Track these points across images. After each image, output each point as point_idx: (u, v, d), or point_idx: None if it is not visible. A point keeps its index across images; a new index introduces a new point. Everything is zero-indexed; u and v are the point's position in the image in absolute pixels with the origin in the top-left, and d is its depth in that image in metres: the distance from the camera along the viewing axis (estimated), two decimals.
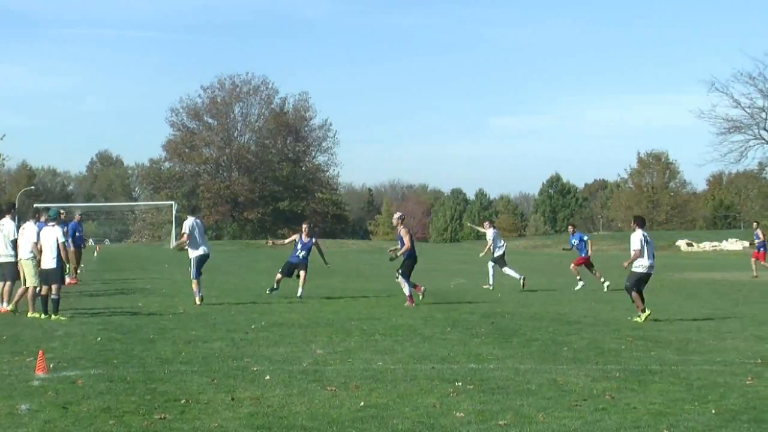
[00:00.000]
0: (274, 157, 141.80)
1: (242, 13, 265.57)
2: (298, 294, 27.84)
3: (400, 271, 26.37)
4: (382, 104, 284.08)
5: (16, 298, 23.42)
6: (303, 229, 29.24)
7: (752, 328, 21.24)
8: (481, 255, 37.37)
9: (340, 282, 36.86)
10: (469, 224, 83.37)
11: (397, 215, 27.31)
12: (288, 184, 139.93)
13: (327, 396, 12.45)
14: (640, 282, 23.05)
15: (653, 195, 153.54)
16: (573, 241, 35.22)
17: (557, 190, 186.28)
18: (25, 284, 23.08)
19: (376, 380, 13.70)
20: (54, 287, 22.05)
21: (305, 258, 28.90)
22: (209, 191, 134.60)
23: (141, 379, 13.59)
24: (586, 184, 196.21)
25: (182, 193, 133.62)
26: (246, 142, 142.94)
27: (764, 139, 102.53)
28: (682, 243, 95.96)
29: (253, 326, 20.48)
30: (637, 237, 23.15)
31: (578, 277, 34.09)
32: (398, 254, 26.72)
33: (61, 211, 29.88)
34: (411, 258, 26.43)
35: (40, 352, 14.60)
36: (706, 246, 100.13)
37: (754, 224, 48.19)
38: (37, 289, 22.64)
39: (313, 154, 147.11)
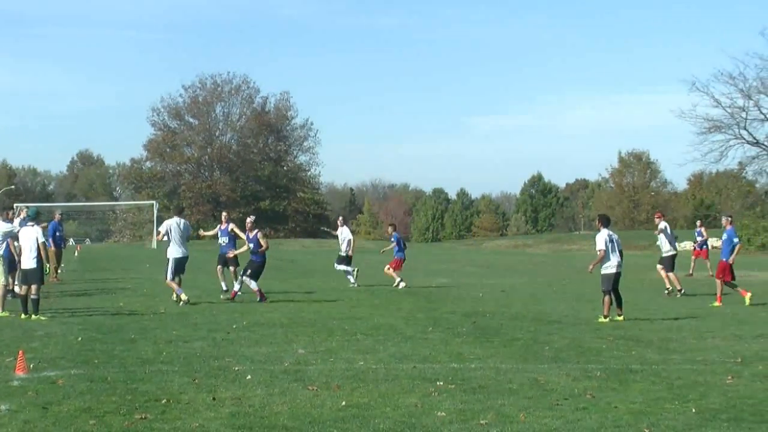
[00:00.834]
0: (255, 157, 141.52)
1: (223, 12, 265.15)
2: (234, 288, 28.13)
3: (249, 271, 27.42)
4: (363, 104, 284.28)
5: None
6: (222, 218, 30.82)
7: (733, 327, 21.30)
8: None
9: (321, 282, 36.80)
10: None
11: (249, 219, 28.60)
12: (269, 183, 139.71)
13: (308, 396, 12.44)
14: (611, 282, 23.01)
15: (634, 195, 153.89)
16: None
17: (539, 189, 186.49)
18: None
19: (357, 380, 13.70)
20: (34, 287, 21.96)
21: (228, 245, 29.63)
22: (191, 191, 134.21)
23: (122, 379, 13.57)
24: (567, 184, 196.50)
25: (163, 193, 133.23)
26: (227, 142, 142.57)
27: (744, 139, 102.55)
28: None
29: (234, 326, 20.46)
30: (601, 237, 23.11)
31: None
32: (237, 253, 29.20)
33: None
34: (261, 262, 27.65)
35: (20, 352, 14.56)
36: (687, 245, 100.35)
37: (698, 222, 48.21)
38: (8, 287, 22.57)
39: (295, 153, 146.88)
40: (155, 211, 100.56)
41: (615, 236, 23.42)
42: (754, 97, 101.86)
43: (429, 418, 11.18)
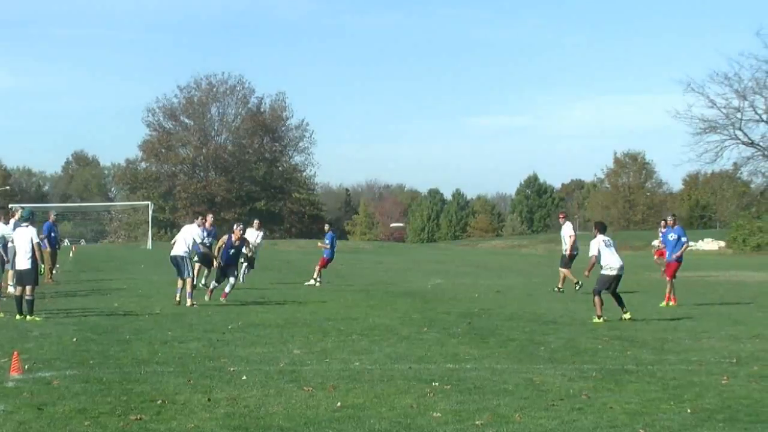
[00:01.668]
0: (251, 157, 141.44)
1: (219, 12, 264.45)
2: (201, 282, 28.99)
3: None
4: (359, 104, 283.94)
5: None
6: (208, 219, 31.63)
7: (728, 328, 21.31)
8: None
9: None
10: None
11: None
12: (265, 184, 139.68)
13: (304, 396, 12.43)
14: (608, 283, 23.09)
15: (630, 195, 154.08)
16: None
17: (534, 190, 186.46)
18: None
19: (353, 380, 13.70)
20: (29, 288, 21.93)
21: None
22: (186, 191, 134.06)
23: (117, 379, 13.56)
24: (562, 184, 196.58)
25: (159, 194, 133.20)
26: (223, 142, 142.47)
27: (739, 140, 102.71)
28: (657, 242, 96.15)
29: (230, 327, 20.45)
30: (595, 243, 23.37)
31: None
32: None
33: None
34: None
35: (15, 353, 14.53)
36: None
37: (669, 220, 47.31)
38: None
39: (290, 154, 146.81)
40: (150, 212, 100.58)
41: (610, 241, 23.53)
42: (749, 97, 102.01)
43: (424, 419, 11.18)
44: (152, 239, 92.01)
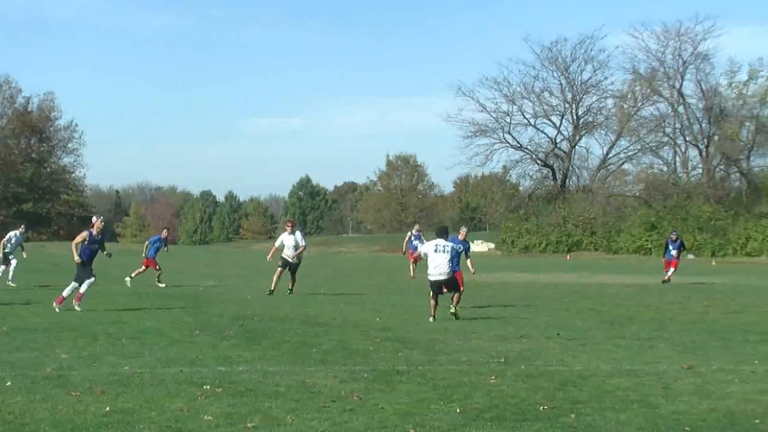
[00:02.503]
0: (17, 158, 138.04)
1: None
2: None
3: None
4: (130, 104, 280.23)
5: None
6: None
7: (497, 328, 21.77)
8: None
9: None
10: None
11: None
12: (32, 185, 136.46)
13: (71, 402, 12.13)
14: (434, 287, 23.68)
15: (402, 197, 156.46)
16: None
17: (307, 192, 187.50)
18: None
19: (122, 385, 13.44)
20: None
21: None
22: None
23: None
24: (336, 186, 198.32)
25: None
26: None
27: (509, 143, 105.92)
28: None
29: None
30: (429, 244, 24.08)
31: None
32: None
33: None
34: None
35: None
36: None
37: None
38: None
39: (59, 155, 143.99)
40: None
41: (445, 246, 23.71)
42: (517, 102, 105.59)
43: (195, 422, 11.05)
44: None
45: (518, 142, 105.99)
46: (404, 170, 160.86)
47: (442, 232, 24.25)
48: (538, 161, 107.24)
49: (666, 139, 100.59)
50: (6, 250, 35.68)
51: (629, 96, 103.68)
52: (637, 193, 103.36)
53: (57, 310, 24.75)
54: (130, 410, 11.68)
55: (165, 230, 38.18)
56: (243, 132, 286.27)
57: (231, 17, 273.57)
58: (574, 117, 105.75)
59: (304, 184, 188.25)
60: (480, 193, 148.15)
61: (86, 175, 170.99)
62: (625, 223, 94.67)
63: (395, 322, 22.76)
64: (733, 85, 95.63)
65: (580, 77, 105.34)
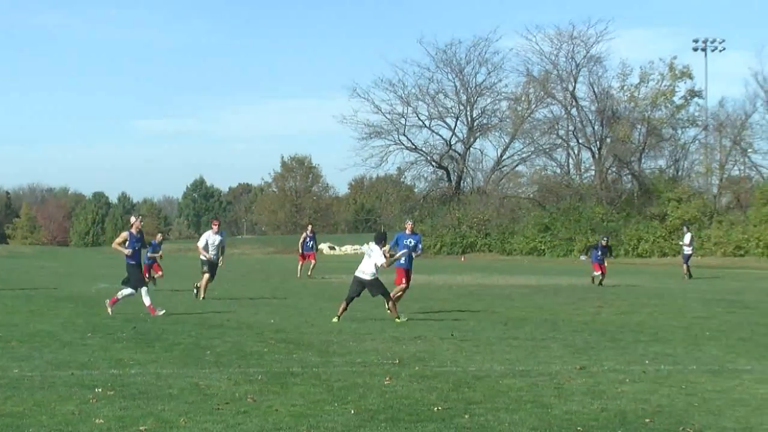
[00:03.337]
0: None
1: None
2: None
3: None
4: (18, 104, 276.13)
5: None
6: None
7: (391, 330, 21.82)
8: None
9: None
10: None
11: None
12: None
13: None
14: (353, 286, 24.01)
15: (297, 199, 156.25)
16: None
17: (201, 193, 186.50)
18: None
19: (12, 388, 13.24)
20: None
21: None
22: None
23: None
24: (230, 188, 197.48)
25: None
26: None
27: (404, 145, 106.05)
28: (324, 246, 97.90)
29: None
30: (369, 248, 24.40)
31: None
32: None
33: None
34: None
35: None
36: (348, 249, 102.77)
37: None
38: None
39: None
40: None
41: (374, 249, 23.78)
42: (412, 103, 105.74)
43: (87, 426, 10.92)
44: None
45: (413, 144, 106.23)
46: (299, 172, 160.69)
47: (379, 239, 24.46)
48: (433, 163, 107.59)
49: (559, 141, 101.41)
50: None
51: (523, 98, 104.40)
52: (531, 195, 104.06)
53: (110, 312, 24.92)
54: (20, 414, 11.52)
55: (160, 234, 38.15)
56: (136, 133, 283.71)
57: (122, 18, 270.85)
58: (469, 119, 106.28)
59: (198, 185, 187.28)
60: (375, 194, 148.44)
61: None
62: (518, 225, 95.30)
63: (290, 324, 22.72)
64: (625, 87, 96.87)
65: (474, 79, 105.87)
